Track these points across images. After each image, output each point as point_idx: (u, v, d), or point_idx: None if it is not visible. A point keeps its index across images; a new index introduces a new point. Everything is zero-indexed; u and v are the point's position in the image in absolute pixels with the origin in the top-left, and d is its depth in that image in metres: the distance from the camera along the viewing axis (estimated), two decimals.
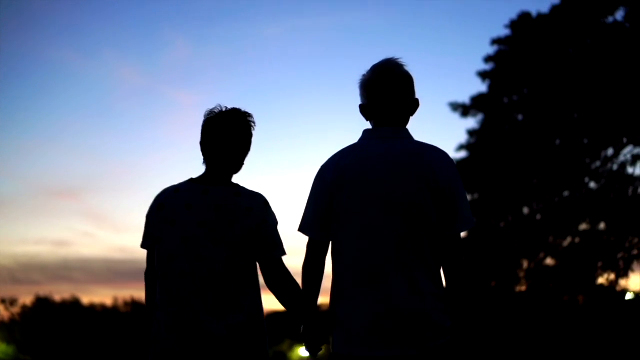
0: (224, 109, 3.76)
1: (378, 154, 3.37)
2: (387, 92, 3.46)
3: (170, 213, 3.66)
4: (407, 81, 3.50)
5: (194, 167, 3.92)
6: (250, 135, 3.78)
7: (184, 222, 3.62)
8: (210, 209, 3.61)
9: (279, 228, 3.73)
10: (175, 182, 3.81)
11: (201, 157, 3.80)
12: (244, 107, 3.80)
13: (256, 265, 3.72)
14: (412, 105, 3.52)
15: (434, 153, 3.37)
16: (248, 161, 3.84)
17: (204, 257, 3.56)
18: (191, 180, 3.75)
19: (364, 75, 3.56)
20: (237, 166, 3.78)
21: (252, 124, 3.78)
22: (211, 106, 3.79)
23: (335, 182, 3.41)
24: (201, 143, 3.78)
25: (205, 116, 3.78)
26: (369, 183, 3.33)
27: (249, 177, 3.99)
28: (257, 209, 3.65)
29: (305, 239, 3.56)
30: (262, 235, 3.63)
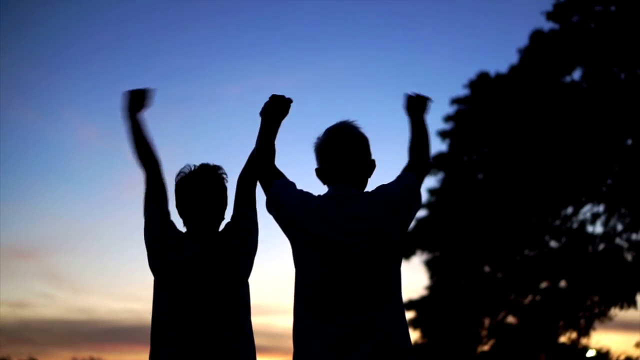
0: (192, 168, 3.71)
1: (335, 213, 3.29)
2: (342, 153, 3.39)
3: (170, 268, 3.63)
4: (361, 142, 3.44)
5: None
6: (225, 188, 3.74)
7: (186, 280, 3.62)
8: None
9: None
10: (135, 243, 3.76)
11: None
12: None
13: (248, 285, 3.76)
14: (368, 166, 3.46)
15: (376, 192, 3.37)
16: None
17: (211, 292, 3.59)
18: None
19: (318, 139, 3.50)
20: (219, 221, 3.73)
21: (224, 176, 3.74)
22: (171, 166, 3.74)
23: (293, 223, 3.35)
24: (177, 206, 3.72)
25: (176, 179, 3.72)
26: (324, 243, 3.26)
27: None
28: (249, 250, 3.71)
29: (285, 301, 3.54)
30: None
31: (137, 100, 3.88)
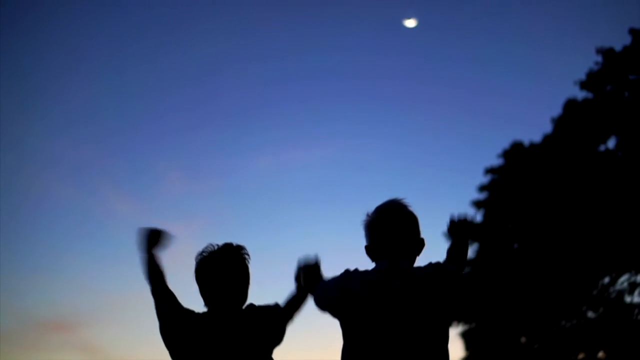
0: (215, 247, 3.69)
1: (385, 282, 3.28)
2: (392, 231, 3.40)
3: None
4: (411, 221, 3.45)
5: (184, 299, 3.82)
6: (247, 268, 3.70)
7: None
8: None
9: None
10: None
11: (192, 291, 3.71)
12: (236, 240, 3.73)
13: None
14: (418, 244, 3.45)
15: (427, 267, 3.39)
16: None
17: None
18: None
19: (368, 216, 3.51)
20: (241, 300, 3.68)
21: (247, 257, 3.71)
22: (203, 239, 3.71)
23: (344, 292, 3.32)
24: (199, 286, 3.68)
25: (197, 258, 3.70)
26: (375, 308, 3.24)
27: None
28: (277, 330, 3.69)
29: None
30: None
31: (154, 239, 3.93)
